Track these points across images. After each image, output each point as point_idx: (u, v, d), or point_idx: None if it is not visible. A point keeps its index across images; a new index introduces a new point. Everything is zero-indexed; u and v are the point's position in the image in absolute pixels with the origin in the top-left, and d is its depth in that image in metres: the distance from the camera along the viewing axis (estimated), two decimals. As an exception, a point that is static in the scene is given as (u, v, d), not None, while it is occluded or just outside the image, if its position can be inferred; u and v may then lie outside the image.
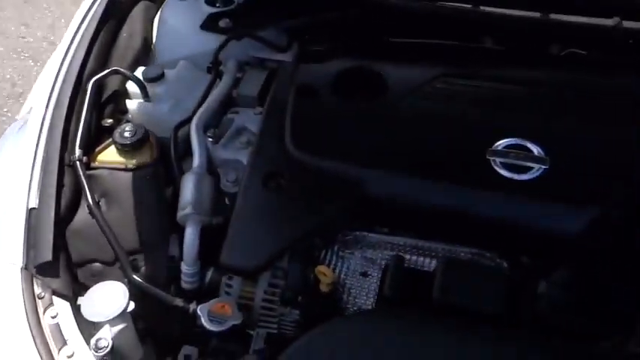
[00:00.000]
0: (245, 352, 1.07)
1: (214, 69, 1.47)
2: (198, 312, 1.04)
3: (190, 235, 1.15)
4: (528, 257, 1.22)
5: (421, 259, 1.26)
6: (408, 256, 1.28)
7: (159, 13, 1.67)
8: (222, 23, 1.55)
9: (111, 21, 1.59)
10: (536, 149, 1.17)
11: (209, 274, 1.22)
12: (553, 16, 1.43)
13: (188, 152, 1.34)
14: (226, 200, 1.30)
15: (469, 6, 1.45)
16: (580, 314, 1.10)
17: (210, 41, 1.52)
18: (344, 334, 1.02)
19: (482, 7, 1.45)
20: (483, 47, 1.50)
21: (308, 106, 1.32)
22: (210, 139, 1.38)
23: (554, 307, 1.13)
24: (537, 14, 1.45)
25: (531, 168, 1.14)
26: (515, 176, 1.14)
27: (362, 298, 1.25)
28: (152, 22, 1.67)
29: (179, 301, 1.10)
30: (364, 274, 1.28)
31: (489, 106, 1.27)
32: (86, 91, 1.39)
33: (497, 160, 1.16)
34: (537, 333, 1.03)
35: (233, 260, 1.13)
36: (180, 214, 1.18)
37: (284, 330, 1.19)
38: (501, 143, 1.18)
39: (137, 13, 1.65)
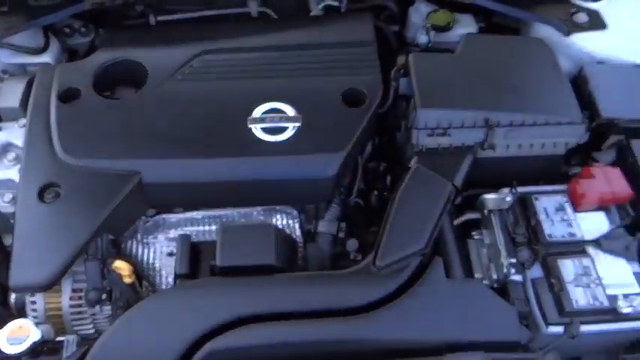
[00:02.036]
0: (59, 361, 1.12)
1: (-35, 87, 1.39)
2: (-6, 340, 1.06)
3: (-31, 267, 1.14)
4: (312, 203, 1.41)
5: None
6: (207, 227, 1.41)
7: None
8: (-38, 34, 1.46)
9: None
10: (289, 110, 1.32)
11: (12, 297, 1.23)
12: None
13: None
14: (11, 221, 1.29)
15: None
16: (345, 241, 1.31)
17: (-44, 57, 1.44)
18: (146, 314, 1.11)
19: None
20: (240, 17, 1.59)
21: (72, 108, 1.32)
22: (-19, 161, 1.34)
23: (329, 240, 1.33)
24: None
25: (287, 128, 1.29)
26: (274, 138, 1.28)
27: (173, 276, 1.35)
28: None
29: (-26, 334, 1.10)
30: (171, 254, 1.37)
31: (246, 75, 1.38)
32: None
33: (258, 126, 1.29)
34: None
35: (24, 279, 1.14)
36: (-48, 248, 1.16)
37: (101, 328, 1.25)
38: (259, 110, 1.31)
39: None
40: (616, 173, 1.28)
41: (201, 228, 1.40)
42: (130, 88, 1.41)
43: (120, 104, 1.35)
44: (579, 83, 1.42)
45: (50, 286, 1.16)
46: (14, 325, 1.07)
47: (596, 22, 1.47)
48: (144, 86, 1.36)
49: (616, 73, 1.44)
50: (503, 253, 1.20)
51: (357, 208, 1.44)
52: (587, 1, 1.54)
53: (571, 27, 1.46)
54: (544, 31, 1.50)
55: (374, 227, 1.35)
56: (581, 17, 1.48)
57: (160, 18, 1.63)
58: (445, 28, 1.53)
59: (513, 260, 1.19)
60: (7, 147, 1.31)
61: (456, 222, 1.31)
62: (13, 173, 1.27)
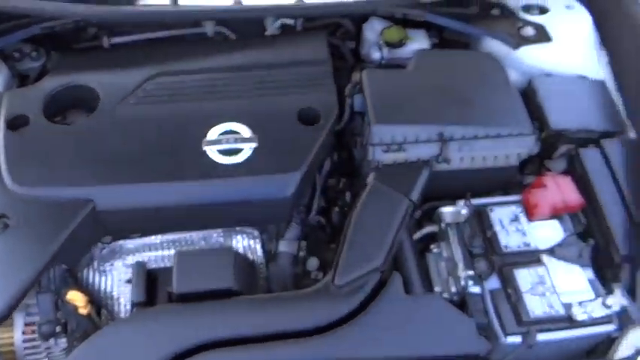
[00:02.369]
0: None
1: None
2: (-59, 382, 1.02)
3: None
4: (272, 223, 1.40)
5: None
6: (166, 252, 1.39)
7: None
8: None
9: None
10: (245, 130, 1.31)
11: (-37, 335, 1.19)
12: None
13: None
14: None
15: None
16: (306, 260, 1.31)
17: None
18: (102, 345, 1.08)
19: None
20: (194, 36, 1.59)
21: (21, 136, 1.29)
22: None
23: (290, 260, 1.33)
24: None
25: (243, 149, 1.28)
26: (231, 159, 1.27)
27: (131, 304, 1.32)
28: None
29: None
30: (129, 282, 1.33)
31: (200, 97, 1.37)
32: None
33: (213, 148, 1.28)
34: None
35: (-27, 315, 1.10)
36: None
37: (56, 361, 1.21)
38: (214, 131, 1.30)
39: None
40: (567, 182, 1.32)
41: (159, 253, 1.37)
42: (81, 113, 1.39)
43: (70, 130, 1.32)
44: (528, 95, 1.46)
45: (1, 321, 1.12)
46: (-39, 364, 1.04)
47: (542, 36, 1.52)
48: (95, 111, 1.34)
49: (563, 85, 1.48)
50: (460, 266, 1.21)
51: (319, 226, 1.44)
52: (532, 15, 1.59)
53: (519, 41, 1.51)
54: (493, 45, 1.54)
55: (335, 244, 1.35)
56: (528, 31, 1.52)
57: (114, 40, 1.62)
58: (398, 44, 1.56)
59: (471, 272, 1.20)
60: (-47, 178, 1.27)
61: (416, 236, 1.33)
62: (-40, 205, 1.23)
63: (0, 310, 1.10)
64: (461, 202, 1.30)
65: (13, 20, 1.50)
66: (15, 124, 1.31)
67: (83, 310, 1.19)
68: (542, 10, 1.61)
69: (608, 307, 1.17)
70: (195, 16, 1.53)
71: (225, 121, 1.31)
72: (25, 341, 1.18)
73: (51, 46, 1.58)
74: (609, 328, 1.18)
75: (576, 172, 1.38)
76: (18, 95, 1.38)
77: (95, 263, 1.35)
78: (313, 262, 1.31)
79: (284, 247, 1.34)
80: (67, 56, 1.54)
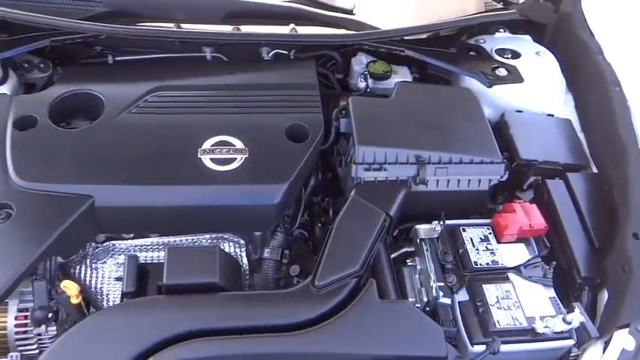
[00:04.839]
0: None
1: None
2: None
3: None
4: (258, 230, 1.48)
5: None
6: (156, 254, 1.46)
7: None
8: None
9: None
10: (237, 142, 1.41)
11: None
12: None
13: None
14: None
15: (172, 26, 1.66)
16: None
17: None
18: (89, 330, 1.13)
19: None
20: (193, 58, 1.71)
21: (27, 135, 1.37)
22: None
23: (273, 266, 1.41)
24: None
25: (235, 159, 1.38)
26: (223, 168, 1.36)
27: (119, 300, 1.37)
28: None
29: None
30: (119, 279, 1.40)
31: (198, 111, 1.48)
32: None
33: (208, 157, 1.38)
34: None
35: (-31, 297, 1.15)
36: None
37: (45, 348, 1.25)
38: (209, 142, 1.40)
39: None
40: (533, 208, 1.43)
41: (149, 254, 1.45)
42: (85, 121, 1.48)
43: (75, 133, 1.41)
44: (501, 128, 1.60)
45: (-6, 304, 1.18)
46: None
47: (515, 76, 1.66)
48: (99, 117, 1.43)
49: (532, 121, 1.62)
50: (433, 277, 1.30)
51: (302, 239, 1.53)
52: (505, 58, 1.75)
53: (493, 80, 1.65)
54: (471, 83, 1.68)
55: (316, 256, 1.43)
56: (502, 72, 1.67)
57: (118, 58, 1.73)
58: (382, 77, 1.69)
59: (441, 284, 1.29)
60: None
61: (394, 255, 1.41)
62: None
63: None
64: (435, 222, 1.40)
65: (25, 32, 1.61)
66: (22, 124, 1.40)
67: (75, 300, 1.25)
68: (515, 55, 1.77)
69: (568, 323, 1.26)
70: (200, 38, 1.65)
71: (220, 134, 1.41)
72: (16, 326, 1.22)
73: (57, 59, 1.69)
74: (569, 343, 1.26)
75: (542, 201, 1.49)
76: (26, 99, 1.47)
77: (88, 260, 1.41)
78: (295, 269, 1.38)
79: (268, 253, 1.42)
80: (73, 69, 1.64)
